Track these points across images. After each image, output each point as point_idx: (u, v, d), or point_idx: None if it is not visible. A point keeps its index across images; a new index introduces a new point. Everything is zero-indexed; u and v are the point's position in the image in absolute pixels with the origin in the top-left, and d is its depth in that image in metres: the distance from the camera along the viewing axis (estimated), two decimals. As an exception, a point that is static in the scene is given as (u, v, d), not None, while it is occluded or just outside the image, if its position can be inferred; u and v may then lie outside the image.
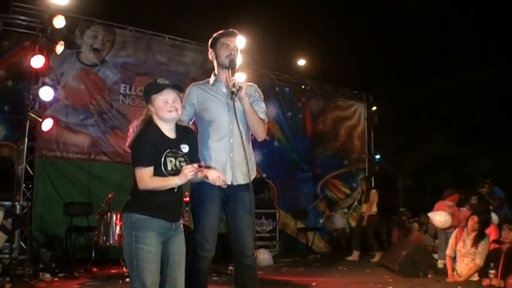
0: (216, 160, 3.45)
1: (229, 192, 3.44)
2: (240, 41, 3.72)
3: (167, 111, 2.92)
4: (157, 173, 2.87)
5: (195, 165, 2.92)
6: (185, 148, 3.01)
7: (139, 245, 2.83)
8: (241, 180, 3.47)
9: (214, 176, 2.99)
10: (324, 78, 12.04)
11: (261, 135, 3.58)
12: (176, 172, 2.90)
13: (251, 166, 3.50)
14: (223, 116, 3.50)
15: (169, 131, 2.99)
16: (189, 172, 2.84)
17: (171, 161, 2.92)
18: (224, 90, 3.55)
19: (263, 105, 3.66)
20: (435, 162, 12.63)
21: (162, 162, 2.89)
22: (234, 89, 3.33)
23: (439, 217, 7.57)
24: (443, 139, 12.49)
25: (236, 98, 3.37)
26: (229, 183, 3.39)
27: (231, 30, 3.62)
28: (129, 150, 2.94)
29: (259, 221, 9.48)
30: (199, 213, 3.43)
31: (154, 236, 2.87)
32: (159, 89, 2.93)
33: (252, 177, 3.52)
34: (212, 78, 3.64)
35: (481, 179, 8.70)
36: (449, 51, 12.87)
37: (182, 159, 2.97)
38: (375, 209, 9.22)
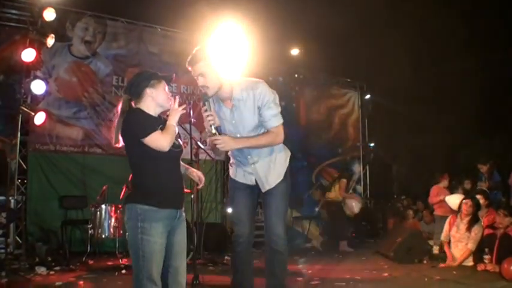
0: (244, 170, 3.72)
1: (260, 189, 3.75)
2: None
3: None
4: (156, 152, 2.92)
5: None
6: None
7: (146, 237, 2.81)
8: (269, 185, 3.69)
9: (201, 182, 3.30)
10: (318, 67, 12.00)
11: (275, 144, 3.90)
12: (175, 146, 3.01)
13: (278, 173, 3.73)
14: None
15: None
16: (176, 107, 3.04)
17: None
18: (226, 111, 3.65)
19: (272, 110, 3.83)
20: (430, 149, 12.64)
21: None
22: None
23: (454, 200, 7.41)
24: (437, 127, 12.48)
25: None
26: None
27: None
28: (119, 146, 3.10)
29: (255, 210, 9.45)
30: (232, 209, 3.84)
31: (161, 226, 2.86)
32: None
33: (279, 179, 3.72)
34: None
35: (485, 157, 8.58)
36: (443, 39, 12.83)
37: None
38: None
